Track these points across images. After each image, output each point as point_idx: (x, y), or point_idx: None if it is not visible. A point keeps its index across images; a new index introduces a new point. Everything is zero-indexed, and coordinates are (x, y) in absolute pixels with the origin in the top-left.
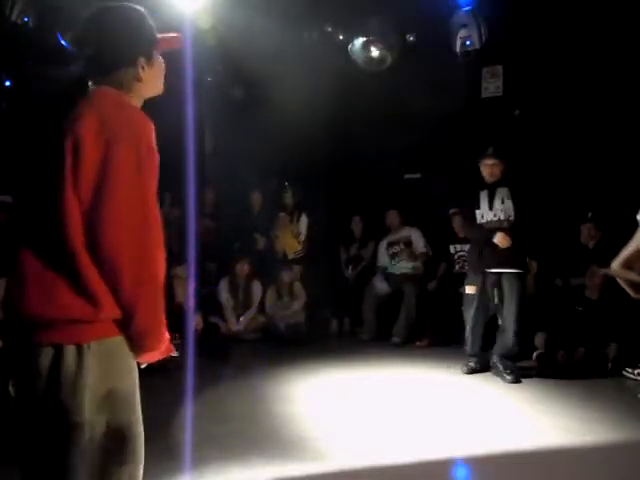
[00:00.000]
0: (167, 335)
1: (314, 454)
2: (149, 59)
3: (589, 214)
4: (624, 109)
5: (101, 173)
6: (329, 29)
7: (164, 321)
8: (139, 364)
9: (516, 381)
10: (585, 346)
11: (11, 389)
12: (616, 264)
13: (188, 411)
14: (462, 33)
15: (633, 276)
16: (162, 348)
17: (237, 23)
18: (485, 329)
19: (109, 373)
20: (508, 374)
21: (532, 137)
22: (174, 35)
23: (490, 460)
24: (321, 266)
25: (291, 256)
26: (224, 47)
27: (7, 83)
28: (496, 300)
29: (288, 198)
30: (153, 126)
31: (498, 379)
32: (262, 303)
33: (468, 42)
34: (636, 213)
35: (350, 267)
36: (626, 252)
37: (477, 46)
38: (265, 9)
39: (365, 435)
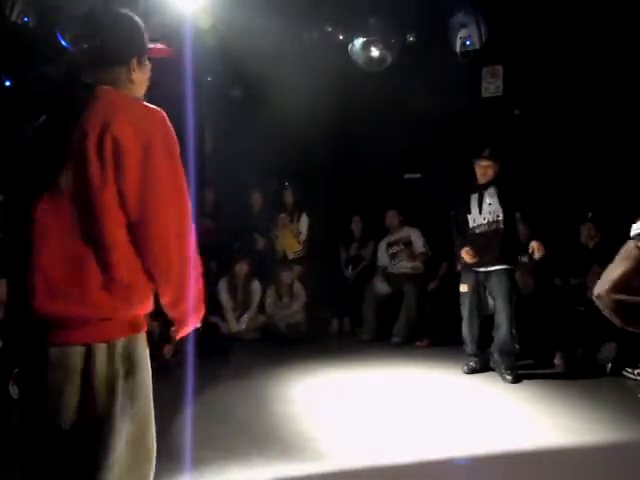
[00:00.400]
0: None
1: (314, 454)
2: (140, 62)
3: (589, 214)
4: (624, 109)
5: (144, 169)
6: (329, 29)
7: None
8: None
9: (516, 381)
10: (585, 346)
11: (11, 389)
12: (605, 287)
13: (188, 411)
14: (462, 33)
15: (631, 298)
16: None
17: (237, 23)
18: (484, 328)
19: (136, 370)
20: (508, 374)
21: (532, 137)
22: (164, 47)
23: (490, 460)
24: (321, 266)
25: (291, 256)
26: (224, 47)
27: (7, 83)
28: (489, 299)
29: (288, 197)
30: (164, 114)
31: (498, 379)
32: (262, 303)
33: (468, 42)
34: (636, 215)
35: (350, 267)
36: (616, 274)
37: (477, 46)
38: (265, 9)
39: (365, 435)
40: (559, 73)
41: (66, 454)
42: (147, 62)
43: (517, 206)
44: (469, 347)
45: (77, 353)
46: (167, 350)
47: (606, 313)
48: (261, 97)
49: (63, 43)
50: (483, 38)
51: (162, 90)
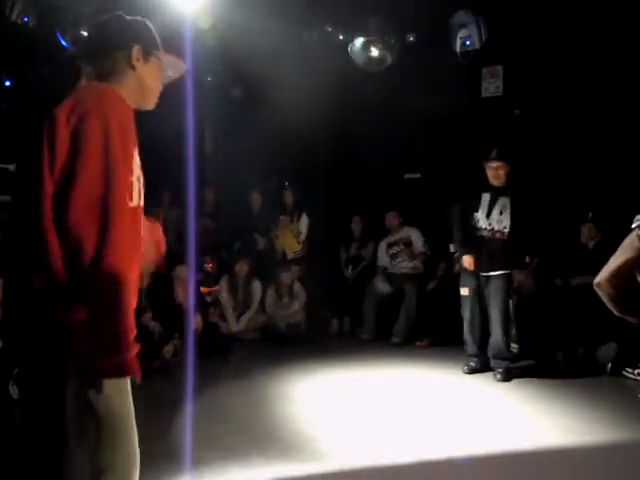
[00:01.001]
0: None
1: (314, 454)
2: (145, 53)
3: (589, 214)
4: (624, 109)
5: (72, 149)
6: (329, 29)
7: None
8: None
9: (506, 379)
10: (585, 346)
11: (11, 389)
12: (605, 276)
13: (188, 411)
14: (462, 33)
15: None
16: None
17: (237, 23)
18: (485, 328)
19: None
20: (499, 373)
21: (532, 137)
22: (181, 62)
23: (490, 460)
24: (321, 266)
25: (290, 256)
26: (224, 47)
27: (7, 83)
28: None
29: (288, 198)
30: (130, 107)
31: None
32: (262, 303)
33: (468, 42)
34: (636, 214)
35: (350, 267)
36: (616, 263)
37: (477, 46)
38: (265, 9)
39: (365, 435)
40: (559, 73)
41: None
42: (156, 60)
43: (530, 217)
44: (470, 348)
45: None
46: (167, 350)
47: (605, 301)
48: (261, 97)
49: (63, 43)
50: (483, 38)
51: (162, 90)
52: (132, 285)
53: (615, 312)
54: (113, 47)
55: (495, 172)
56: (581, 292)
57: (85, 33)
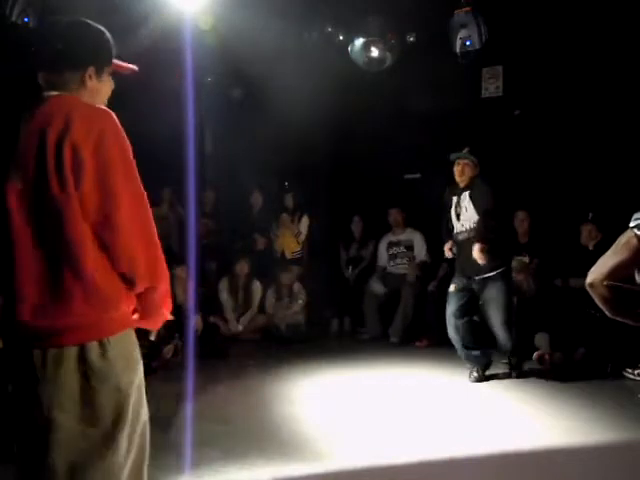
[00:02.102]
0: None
1: (314, 454)
2: (99, 72)
3: (590, 215)
4: (624, 109)
5: (98, 167)
6: (329, 29)
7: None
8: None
9: (478, 380)
10: (585, 346)
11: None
12: (599, 276)
13: (188, 411)
14: (462, 33)
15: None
16: (167, 315)
17: (237, 23)
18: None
19: (129, 362)
20: (474, 372)
21: (532, 137)
22: (130, 66)
23: (490, 460)
24: (321, 266)
25: (289, 256)
26: (224, 47)
27: None
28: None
29: (289, 201)
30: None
31: (498, 379)
32: (262, 303)
33: (468, 42)
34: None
35: (350, 267)
36: (611, 263)
37: (477, 46)
38: (265, 9)
39: (365, 435)
40: (559, 73)
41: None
42: (109, 79)
43: (491, 211)
44: (458, 350)
45: (71, 353)
46: (167, 350)
47: (598, 302)
48: (261, 97)
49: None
50: (483, 38)
51: (162, 90)
52: None
53: (608, 314)
54: (68, 65)
55: (461, 169)
56: (581, 294)
57: (40, 34)
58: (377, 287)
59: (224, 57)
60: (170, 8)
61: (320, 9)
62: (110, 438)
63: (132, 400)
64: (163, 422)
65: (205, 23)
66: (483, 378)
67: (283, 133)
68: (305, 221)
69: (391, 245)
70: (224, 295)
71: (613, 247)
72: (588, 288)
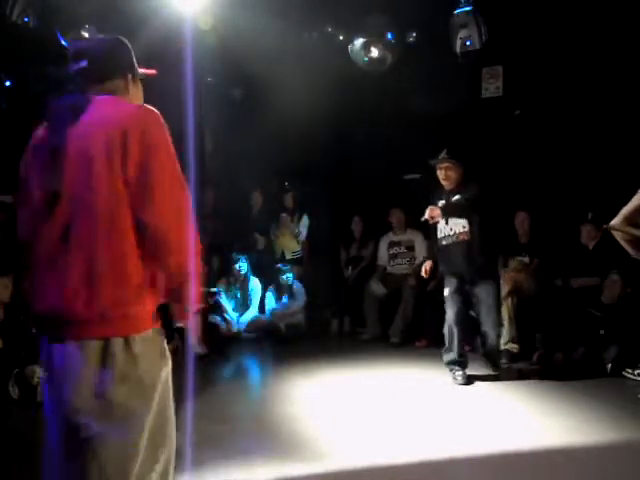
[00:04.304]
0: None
1: (314, 454)
2: (134, 78)
3: (589, 215)
4: (624, 109)
5: (146, 162)
6: (329, 29)
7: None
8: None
9: (463, 383)
10: (585, 346)
11: (11, 389)
12: (617, 220)
13: (188, 411)
14: (462, 33)
15: (635, 231)
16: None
17: (237, 23)
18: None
19: (154, 361)
20: (458, 376)
21: (532, 137)
22: (151, 71)
23: (490, 460)
24: (321, 266)
25: (289, 256)
26: (224, 47)
27: (7, 83)
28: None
29: (289, 201)
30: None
31: (498, 379)
32: (262, 303)
33: (468, 42)
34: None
35: (350, 267)
36: (628, 209)
37: (477, 46)
38: (265, 9)
39: (365, 435)
40: (559, 73)
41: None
42: (139, 80)
43: (483, 215)
44: (451, 354)
45: (95, 347)
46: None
47: (621, 243)
48: (261, 97)
49: (63, 43)
50: (483, 38)
51: (162, 90)
52: None
53: (631, 253)
54: (112, 75)
55: (444, 174)
56: (582, 294)
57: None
58: (377, 288)
59: (224, 57)
60: (170, 8)
61: (320, 9)
62: (126, 436)
63: (155, 401)
64: None
65: (205, 23)
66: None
67: (283, 133)
68: (305, 221)
69: (392, 245)
70: (224, 295)
71: (636, 195)
72: (611, 230)
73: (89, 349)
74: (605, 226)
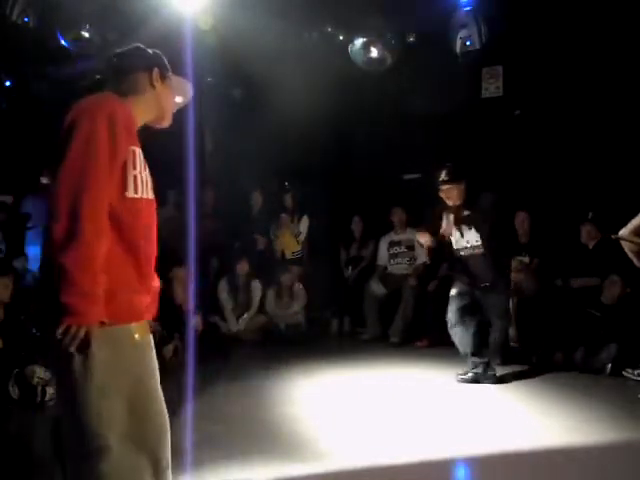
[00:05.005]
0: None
1: (314, 454)
2: (162, 76)
3: (589, 215)
4: (624, 109)
5: (63, 143)
6: (329, 29)
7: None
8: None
9: (463, 381)
10: (585, 346)
11: (11, 389)
12: (626, 231)
13: (188, 411)
14: (462, 33)
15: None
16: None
17: (237, 23)
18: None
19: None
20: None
21: (532, 137)
22: (188, 85)
23: (490, 460)
24: (321, 266)
25: (289, 256)
26: (224, 47)
27: (7, 83)
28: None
29: (288, 201)
30: (123, 106)
31: (498, 379)
32: (262, 303)
33: (468, 42)
34: (636, 214)
35: (350, 267)
36: (637, 220)
37: (477, 46)
38: (265, 10)
39: (365, 435)
40: (559, 73)
41: None
42: (170, 82)
43: (495, 227)
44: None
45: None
46: (167, 350)
47: (628, 253)
48: (261, 97)
49: (63, 43)
50: (483, 38)
51: None
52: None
53: (636, 264)
54: (136, 68)
55: (446, 194)
56: (582, 294)
57: (103, 59)
58: (377, 288)
59: (224, 57)
60: (170, 8)
61: (320, 9)
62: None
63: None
64: None
65: (205, 23)
66: (473, 380)
67: (283, 133)
68: (305, 221)
69: (392, 244)
70: (224, 295)
71: None
72: (620, 240)
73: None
74: (614, 236)
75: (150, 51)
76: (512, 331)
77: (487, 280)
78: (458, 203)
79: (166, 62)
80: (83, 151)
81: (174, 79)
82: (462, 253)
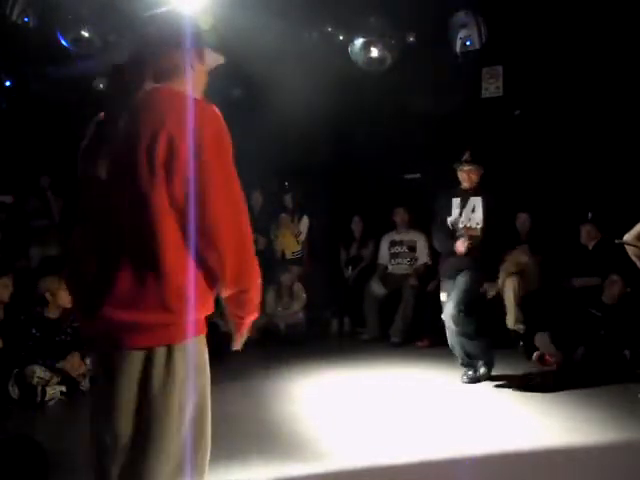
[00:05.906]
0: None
1: (314, 454)
2: (200, 56)
3: (589, 215)
4: (624, 109)
5: (195, 166)
6: (329, 29)
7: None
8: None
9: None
10: (585, 346)
11: (11, 389)
12: (631, 236)
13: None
14: (462, 33)
15: None
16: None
17: (237, 23)
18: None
19: (195, 370)
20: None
21: (532, 137)
22: (220, 55)
23: (490, 460)
24: (321, 266)
25: (289, 256)
26: (224, 47)
27: (7, 83)
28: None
29: (289, 201)
30: (217, 110)
31: (497, 379)
32: (262, 303)
33: (468, 42)
34: (636, 216)
35: (350, 267)
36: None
37: (477, 46)
38: (265, 9)
39: (365, 435)
40: (559, 73)
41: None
42: (205, 58)
43: (502, 221)
44: (459, 358)
45: (137, 357)
46: None
47: (632, 257)
48: (261, 97)
49: (63, 43)
50: (483, 38)
51: None
52: None
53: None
54: (173, 46)
55: (467, 175)
56: (582, 294)
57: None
58: (377, 288)
59: (224, 57)
60: (170, 8)
61: (320, 9)
62: (156, 446)
63: (187, 412)
64: None
65: (205, 23)
66: (475, 379)
67: (283, 133)
68: (305, 221)
69: (393, 244)
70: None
71: None
72: (624, 245)
73: (130, 359)
74: (618, 241)
75: (186, 20)
76: (517, 312)
77: (468, 266)
78: (470, 188)
79: (201, 33)
80: (232, 170)
81: (208, 53)
82: (457, 235)
